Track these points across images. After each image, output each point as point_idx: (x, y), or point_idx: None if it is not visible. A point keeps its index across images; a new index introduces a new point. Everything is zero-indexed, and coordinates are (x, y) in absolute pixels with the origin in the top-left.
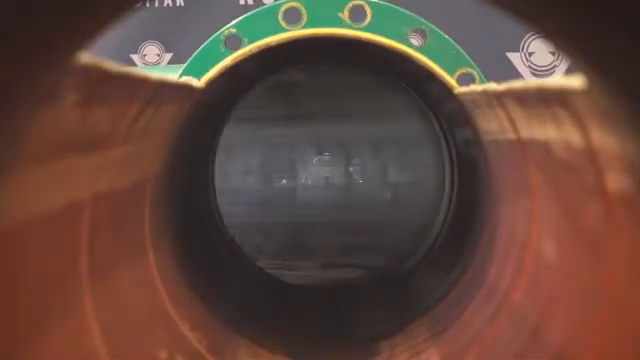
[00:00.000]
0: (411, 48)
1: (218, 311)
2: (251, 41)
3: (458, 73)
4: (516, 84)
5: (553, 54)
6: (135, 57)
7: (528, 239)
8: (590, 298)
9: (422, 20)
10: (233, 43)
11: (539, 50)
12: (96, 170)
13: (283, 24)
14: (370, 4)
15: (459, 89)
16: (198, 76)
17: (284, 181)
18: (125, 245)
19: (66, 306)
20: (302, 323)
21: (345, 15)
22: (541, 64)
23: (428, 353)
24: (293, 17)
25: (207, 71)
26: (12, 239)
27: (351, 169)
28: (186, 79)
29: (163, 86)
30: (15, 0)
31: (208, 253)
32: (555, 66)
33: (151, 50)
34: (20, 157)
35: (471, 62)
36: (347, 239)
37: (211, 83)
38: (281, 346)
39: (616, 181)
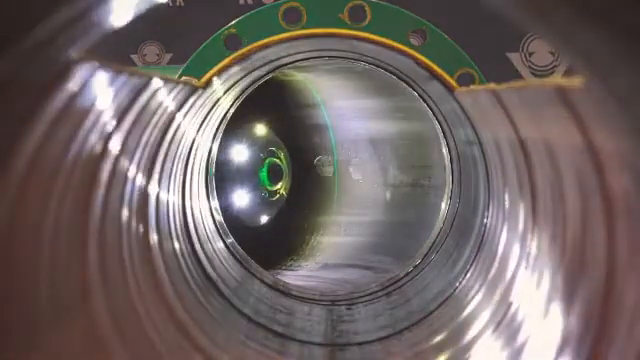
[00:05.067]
0: (411, 48)
1: (218, 311)
2: (251, 41)
3: (458, 73)
4: (516, 84)
5: (553, 54)
6: (135, 57)
7: (528, 239)
8: (591, 298)
9: (422, 20)
10: (233, 43)
11: (539, 50)
12: (97, 170)
13: (283, 24)
14: (370, 4)
15: (459, 89)
16: (198, 76)
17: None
18: (130, 244)
19: (77, 298)
20: (302, 323)
21: (345, 15)
22: (541, 64)
23: (428, 353)
24: (293, 17)
25: (207, 71)
26: (14, 237)
27: (351, 169)
28: (186, 79)
29: (163, 85)
30: (16, 2)
31: (208, 253)
32: (555, 66)
33: (151, 50)
34: (21, 157)
35: (471, 62)
36: (347, 239)
37: (211, 83)
38: (281, 346)
39: (616, 181)
